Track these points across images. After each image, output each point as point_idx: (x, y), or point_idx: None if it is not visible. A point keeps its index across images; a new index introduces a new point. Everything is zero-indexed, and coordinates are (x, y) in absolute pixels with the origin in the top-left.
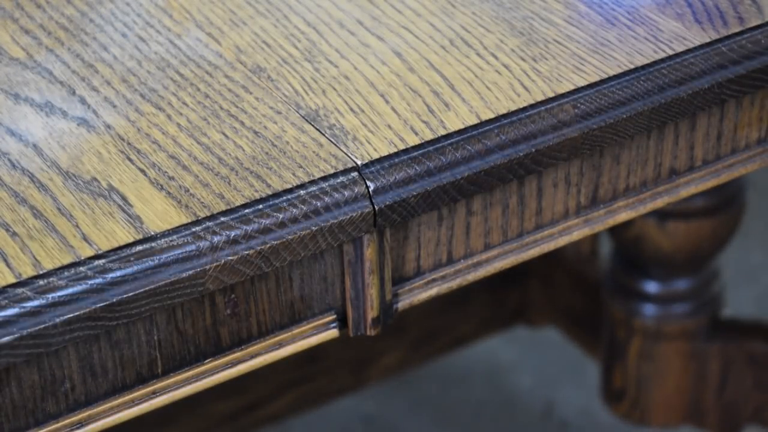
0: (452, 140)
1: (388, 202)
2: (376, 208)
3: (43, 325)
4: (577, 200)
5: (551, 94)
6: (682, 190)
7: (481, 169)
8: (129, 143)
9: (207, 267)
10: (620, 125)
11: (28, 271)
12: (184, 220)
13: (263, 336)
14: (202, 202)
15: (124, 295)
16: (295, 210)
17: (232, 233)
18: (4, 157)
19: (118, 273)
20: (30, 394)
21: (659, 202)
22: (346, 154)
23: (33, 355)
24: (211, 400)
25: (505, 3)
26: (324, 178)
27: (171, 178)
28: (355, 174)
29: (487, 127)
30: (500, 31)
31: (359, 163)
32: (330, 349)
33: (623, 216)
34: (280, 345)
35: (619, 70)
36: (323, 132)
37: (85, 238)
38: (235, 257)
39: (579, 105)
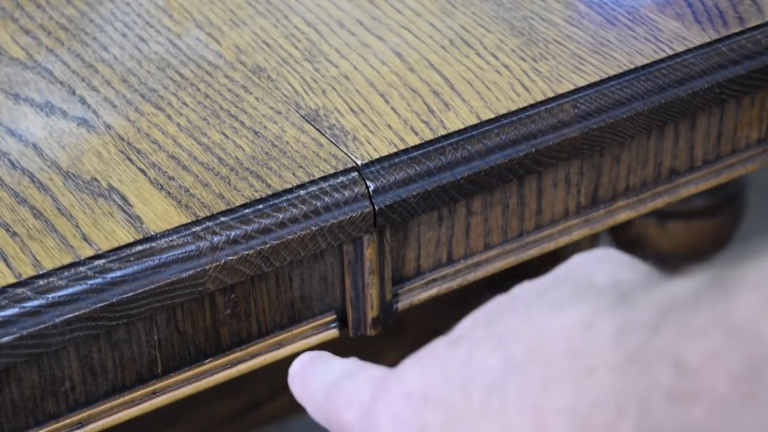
0: (452, 140)
1: (388, 202)
2: (376, 208)
3: (43, 325)
4: (577, 200)
5: (551, 94)
6: (682, 190)
7: (481, 169)
8: (129, 143)
9: (207, 267)
10: (620, 125)
11: (28, 271)
12: (184, 220)
13: (263, 336)
14: (202, 202)
15: (124, 295)
16: (295, 210)
17: (232, 233)
18: (4, 157)
19: (118, 273)
20: (30, 394)
21: (659, 202)
22: (346, 154)
23: (33, 355)
24: (211, 400)
25: (505, 3)
26: (324, 178)
27: (171, 178)
28: (355, 174)
29: (487, 127)
30: (500, 31)
31: (359, 163)
32: (330, 349)
33: (623, 216)
34: (280, 345)
35: (619, 70)
36: (323, 132)
37: (85, 238)
38: (235, 257)
39: (579, 105)
